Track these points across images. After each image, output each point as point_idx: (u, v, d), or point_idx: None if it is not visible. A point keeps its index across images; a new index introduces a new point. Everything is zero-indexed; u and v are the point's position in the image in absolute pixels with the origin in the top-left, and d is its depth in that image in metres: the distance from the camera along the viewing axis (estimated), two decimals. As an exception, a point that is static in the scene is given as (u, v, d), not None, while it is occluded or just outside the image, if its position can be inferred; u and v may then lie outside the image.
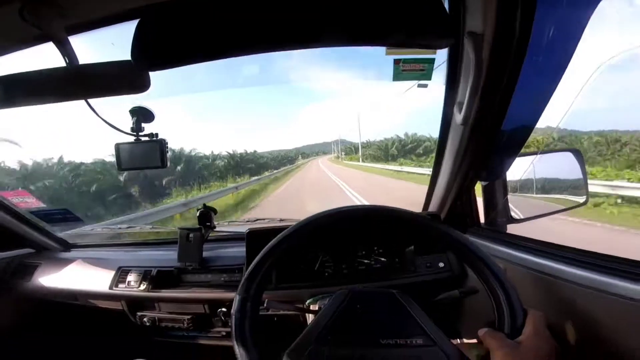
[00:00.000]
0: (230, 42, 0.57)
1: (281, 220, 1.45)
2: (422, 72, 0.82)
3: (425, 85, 0.86)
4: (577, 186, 1.17)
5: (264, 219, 1.48)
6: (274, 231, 1.15)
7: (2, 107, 0.74)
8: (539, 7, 0.65)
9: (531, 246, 0.87)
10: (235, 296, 0.63)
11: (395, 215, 0.73)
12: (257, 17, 0.56)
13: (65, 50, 0.70)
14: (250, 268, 0.66)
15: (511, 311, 0.59)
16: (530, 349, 0.53)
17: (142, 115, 0.84)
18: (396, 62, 0.81)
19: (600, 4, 0.68)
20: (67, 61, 0.71)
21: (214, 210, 1.27)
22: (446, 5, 0.70)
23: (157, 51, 0.59)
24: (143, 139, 0.84)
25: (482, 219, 1.17)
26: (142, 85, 0.67)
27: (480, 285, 0.65)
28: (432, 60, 0.82)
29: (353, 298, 0.71)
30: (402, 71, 0.82)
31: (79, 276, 1.35)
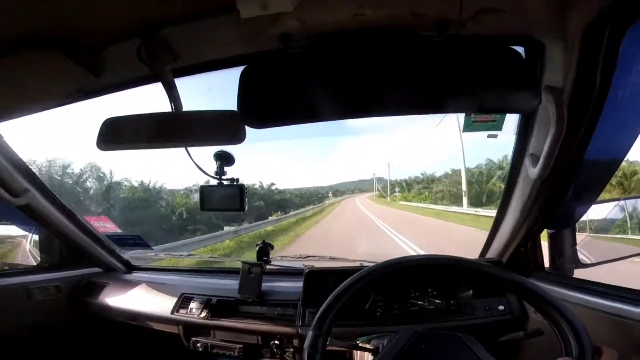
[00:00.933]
0: (332, 103, 0.61)
1: (331, 258, 1.48)
2: (493, 123, 0.83)
3: (495, 136, 0.87)
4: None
5: (314, 257, 1.50)
6: (332, 273, 1.20)
7: (113, 148, 0.80)
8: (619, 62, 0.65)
9: (601, 290, 0.85)
10: (308, 332, 0.67)
11: (466, 266, 0.75)
12: (357, 79, 0.60)
13: (172, 94, 0.76)
14: (325, 305, 0.70)
15: (580, 348, 0.59)
16: None
17: (225, 159, 0.90)
18: (467, 113, 0.83)
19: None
20: (173, 106, 0.77)
21: (271, 246, 1.32)
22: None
23: (261, 107, 0.64)
24: (225, 182, 0.91)
25: (546, 264, 1.13)
26: (239, 136, 0.71)
27: (545, 327, 0.65)
28: (505, 113, 0.83)
29: (419, 338, 0.73)
30: (473, 122, 0.84)
31: (142, 298, 1.43)
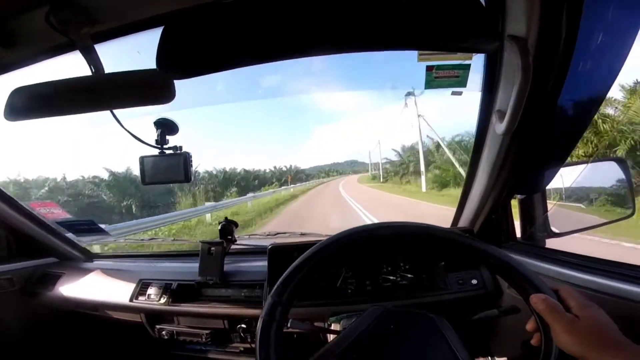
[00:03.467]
0: (257, 48, 0.54)
1: (302, 234, 1.42)
2: (456, 79, 0.78)
3: (460, 93, 0.81)
4: (623, 197, 1.10)
5: (284, 233, 1.44)
6: (297, 247, 1.14)
7: (28, 117, 0.73)
8: (586, 8, 0.60)
9: (575, 261, 0.82)
10: (267, 299, 0.62)
11: (433, 233, 0.69)
12: (286, 19, 0.53)
13: (91, 58, 0.70)
14: (285, 274, 0.65)
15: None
16: (589, 320, 0.51)
17: (166, 127, 0.82)
18: (429, 68, 0.77)
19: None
20: (93, 70, 0.70)
21: (236, 224, 1.25)
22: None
23: (182, 59, 0.56)
24: (167, 152, 0.83)
25: (518, 233, 1.11)
26: (167, 95, 0.65)
27: (520, 303, 0.61)
28: (467, 67, 0.77)
29: (387, 317, 0.69)
30: (435, 78, 0.78)
31: (100, 287, 1.35)
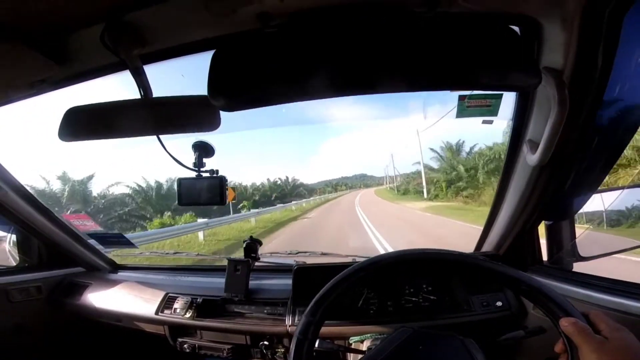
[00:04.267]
0: (307, 85, 0.56)
1: (323, 254, 1.43)
2: (488, 108, 0.79)
3: (490, 122, 0.82)
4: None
5: (305, 252, 1.45)
6: (322, 268, 1.16)
7: (79, 139, 0.76)
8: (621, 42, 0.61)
9: (602, 284, 0.82)
10: (302, 318, 0.64)
11: (464, 260, 0.70)
12: (335, 58, 0.55)
13: (141, 80, 0.72)
14: (320, 293, 0.66)
15: None
16: (618, 342, 0.51)
17: (203, 150, 0.85)
18: (461, 97, 0.78)
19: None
20: (142, 93, 0.72)
21: (260, 242, 1.27)
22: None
23: (233, 89, 0.59)
24: (204, 174, 0.85)
25: (544, 257, 1.10)
26: (213, 123, 0.68)
27: (546, 324, 0.61)
28: (499, 96, 0.78)
29: (415, 338, 0.69)
30: (467, 107, 0.79)
31: (125, 298, 1.37)
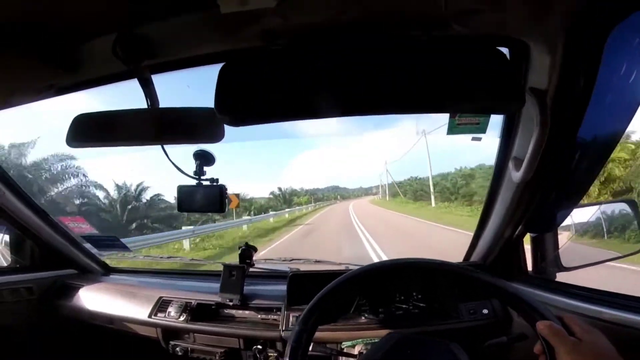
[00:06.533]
0: (311, 102, 0.59)
1: (317, 261, 1.45)
2: (477, 125, 0.83)
3: (479, 139, 0.86)
4: (632, 234, 1.15)
5: (299, 259, 1.48)
6: (316, 275, 1.18)
7: (84, 145, 0.78)
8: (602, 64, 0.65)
9: (581, 293, 0.87)
10: (295, 327, 0.66)
11: (449, 269, 0.75)
12: (341, 78, 0.59)
13: (148, 90, 0.74)
14: (312, 303, 0.69)
15: None
16: (592, 343, 0.55)
17: (204, 159, 0.86)
18: (452, 115, 0.82)
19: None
20: (149, 102, 0.74)
21: (255, 248, 1.29)
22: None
23: (239, 104, 0.61)
24: (205, 183, 0.87)
25: (529, 267, 1.14)
26: (218, 135, 0.70)
27: (529, 331, 0.64)
28: (488, 115, 0.82)
29: (404, 342, 0.72)
30: (457, 125, 0.83)
31: (118, 301, 1.38)
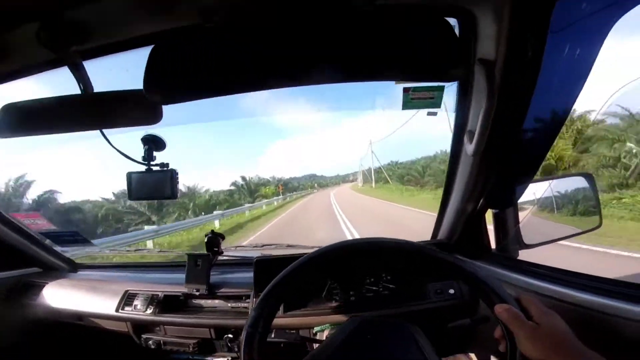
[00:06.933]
0: (244, 77, 0.57)
1: (289, 246, 1.44)
2: (432, 100, 0.82)
3: (435, 114, 0.86)
4: (590, 210, 1.16)
5: (271, 245, 1.46)
6: (283, 260, 1.18)
7: (17, 135, 0.74)
8: (550, 33, 0.64)
9: (541, 272, 0.87)
10: (250, 312, 0.64)
11: (408, 248, 0.74)
12: (271, 51, 0.56)
13: (80, 75, 0.71)
14: (267, 288, 0.68)
15: None
16: (549, 327, 0.55)
17: (154, 143, 0.83)
18: (405, 90, 0.81)
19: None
20: (82, 88, 0.71)
21: (222, 236, 1.27)
22: (457, 32, 0.69)
23: (167, 84, 0.59)
24: (154, 168, 0.84)
25: (493, 245, 1.15)
26: (154, 117, 0.67)
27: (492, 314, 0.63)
28: (442, 88, 0.81)
29: (364, 326, 0.72)
30: (411, 99, 0.82)
31: (84, 297, 1.34)
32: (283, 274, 0.69)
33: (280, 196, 31.51)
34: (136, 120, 0.69)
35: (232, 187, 33.93)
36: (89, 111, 0.71)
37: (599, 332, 0.64)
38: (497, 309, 0.59)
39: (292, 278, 0.69)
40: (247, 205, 20.51)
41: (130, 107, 0.68)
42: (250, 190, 34.33)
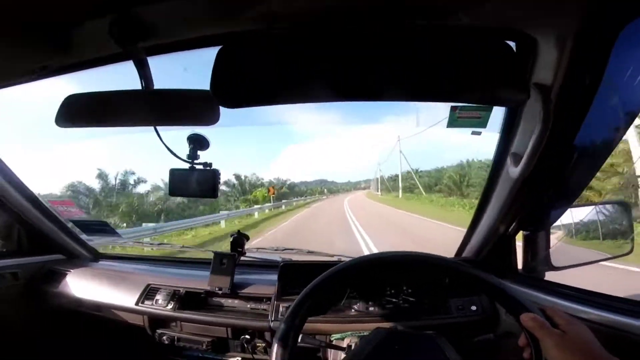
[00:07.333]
0: (313, 86, 0.57)
1: (309, 252, 1.44)
2: (478, 119, 0.82)
3: (479, 133, 0.85)
4: (623, 236, 1.15)
5: (292, 249, 1.47)
6: (309, 266, 1.17)
7: (78, 125, 0.76)
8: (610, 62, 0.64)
9: (568, 292, 0.88)
10: (280, 324, 0.64)
11: (439, 263, 0.74)
12: (342, 63, 0.57)
13: (144, 72, 0.72)
14: (299, 298, 0.68)
15: None
16: (576, 335, 0.55)
17: (198, 142, 0.85)
18: (453, 108, 0.81)
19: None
20: (143, 84, 0.73)
21: (247, 237, 1.28)
22: None
23: (237, 86, 0.59)
24: (198, 167, 0.85)
25: (519, 265, 1.15)
26: (213, 118, 0.68)
27: (516, 329, 0.65)
28: (490, 108, 0.81)
29: (392, 337, 0.72)
30: (457, 118, 0.82)
31: (105, 288, 1.36)
32: (314, 283, 0.70)
33: (271, 203, 21.53)
34: (194, 120, 0.70)
35: (224, 187, 28.10)
36: (149, 107, 0.71)
37: (627, 353, 0.63)
38: (523, 318, 0.59)
39: (322, 288, 0.69)
40: (223, 213, 14.20)
41: (190, 106, 0.69)
42: (244, 192, 29.30)
